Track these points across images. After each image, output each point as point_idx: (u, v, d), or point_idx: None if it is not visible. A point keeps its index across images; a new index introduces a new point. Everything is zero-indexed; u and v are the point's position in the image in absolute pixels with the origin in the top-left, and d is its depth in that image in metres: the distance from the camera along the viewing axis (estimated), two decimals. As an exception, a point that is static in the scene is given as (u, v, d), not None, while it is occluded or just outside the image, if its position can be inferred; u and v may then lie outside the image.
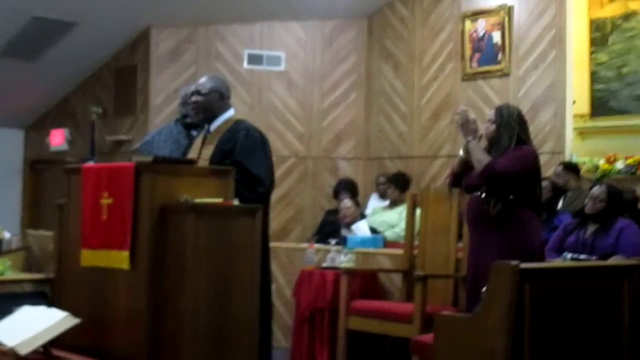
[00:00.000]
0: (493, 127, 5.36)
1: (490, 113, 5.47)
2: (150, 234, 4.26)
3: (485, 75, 8.58)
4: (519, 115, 5.42)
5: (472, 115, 5.52)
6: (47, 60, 9.51)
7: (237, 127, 5.20)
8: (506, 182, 5.21)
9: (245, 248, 4.41)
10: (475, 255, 5.36)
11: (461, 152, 5.52)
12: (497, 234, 5.21)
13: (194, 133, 5.71)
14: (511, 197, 5.23)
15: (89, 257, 4.53)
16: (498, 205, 5.21)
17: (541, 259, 5.31)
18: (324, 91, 9.46)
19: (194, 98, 5.28)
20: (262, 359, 4.85)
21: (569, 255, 5.83)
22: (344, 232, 7.61)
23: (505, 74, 8.41)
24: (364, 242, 7.13)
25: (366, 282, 6.73)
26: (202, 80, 5.34)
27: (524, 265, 4.12)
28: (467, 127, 5.42)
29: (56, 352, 4.22)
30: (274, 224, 7.59)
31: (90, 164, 4.94)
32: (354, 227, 7.54)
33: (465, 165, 5.46)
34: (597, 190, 6.03)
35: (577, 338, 4.23)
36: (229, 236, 4.35)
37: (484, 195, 5.29)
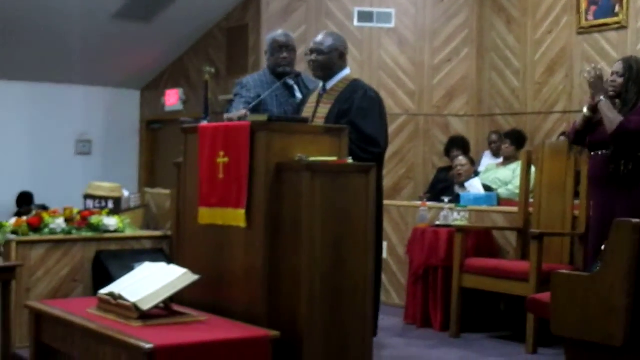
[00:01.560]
0: (620, 80, 5.20)
1: (616, 65, 5.30)
2: (265, 193, 4.30)
3: (601, 28, 8.34)
4: None
5: (603, 73, 5.36)
6: (161, 22, 9.68)
7: (354, 87, 5.21)
8: (637, 139, 5.06)
9: (359, 206, 4.41)
10: (600, 214, 5.25)
11: (585, 110, 5.38)
12: (624, 192, 5.08)
13: (290, 82, 5.65)
14: (637, 157, 5.08)
15: (207, 215, 4.61)
16: (629, 165, 5.07)
17: None
18: (434, 48, 9.36)
19: (313, 56, 5.28)
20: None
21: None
22: (457, 189, 7.55)
23: (622, 27, 8.15)
24: (477, 199, 7.06)
25: (480, 240, 6.67)
26: (320, 37, 5.32)
27: (645, 223, 4.03)
28: (599, 85, 5.26)
29: (176, 308, 4.32)
30: (386, 181, 7.58)
31: (206, 123, 5.00)
32: (467, 184, 7.47)
33: (589, 123, 5.32)
34: None
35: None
36: (343, 194, 4.36)
37: (609, 154, 5.16)
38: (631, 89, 5.16)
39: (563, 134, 7.80)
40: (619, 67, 5.25)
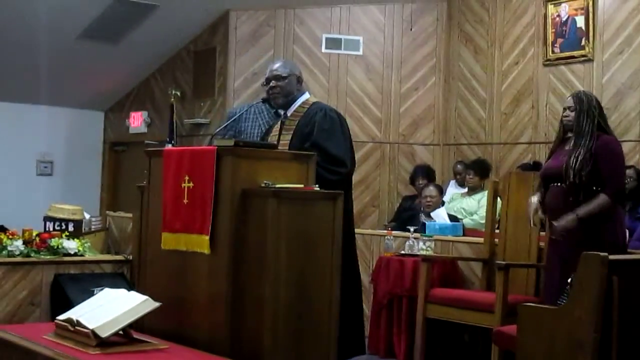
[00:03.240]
0: (573, 114, 5.23)
1: (567, 100, 5.35)
2: (231, 219, 4.24)
3: (568, 60, 8.39)
4: (597, 101, 5.30)
5: (532, 205, 5.41)
6: (127, 43, 9.61)
7: (314, 109, 5.17)
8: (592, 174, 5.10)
9: (325, 233, 4.36)
10: (556, 246, 5.25)
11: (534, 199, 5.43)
12: (581, 224, 5.09)
13: (281, 112, 5.63)
14: (596, 187, 5.10)
15: (170, 241, 4.53)
16: (587, 196, 5.08)
17: (624, 250, 5.18)
18: (402, 76, 9.37)
19: (273, 83, 5.24)
20: (357, 347, 4.88)
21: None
22: (422, 219, 7.52)
23: (588, 60, 8.21)
24: (443, 229, 7.03)
25: (445, 270, 6.64)
26: (277, 64, 5.30)
27: (613, 256, 4.01)
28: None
29: (136, 335, 4.22)
30: (351, 209, 7.53)
31: (171, 147, 4.94)
32: (434, 214, 7.44)
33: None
34: None
35: (668, 333, 4.11)
36: (309, 221, 4.30)
37: (565, 185, 5.17)
38: (584, 122, 5.20)
39: (521, 166, 7.84)
40: (570, 102, 5.31)
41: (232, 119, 6.14)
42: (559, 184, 5.25)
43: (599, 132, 5.21)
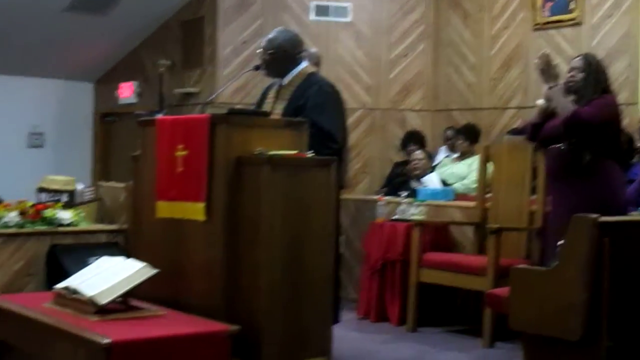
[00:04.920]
0: (581, 75, 5.19)
1: (575, 61, 5.28)
2: (225, 186, 4.28)
3: (557, 24, 8.39)
4: (603, 65, 5.29)
5: (554, 60, 5.36)
6: (115, 14, 9.57)
7: (310, 82, 5.17)
8: (590, 131, 5.06)
9: (319, 200, 4.40)
10: (556, 208, 5.28)
11: (539, 101, 5.39)
12: (580, 186, 5.10)
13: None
14: (595, 148, 5.09)
15: (165, 209, 4.57)
16: (587, 157, 5.07)
17: (624, 211, 5.19)
18: (391, 42, 9.36)
19: (260, 55, 5.26)
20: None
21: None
22: (413, 184, 7.57)
23: (577, 23, 8.22)
24: (434, 194, 7.08)
25: (437, 234, 6.70)
26: (270, 35, 5.30)
27: (603, 218, 4.06)
28: (548, 72, 5.25)
29: (134, 302, 4.27)
30: (343, 176, 7.56)
31: (161, 116, 4.96)
32: (424, 179, 7.48)
33: (546, 114, 5.32)
34: None
35: (658, 292, 4.17)
36: (303, 188, 4.35)
37: (564, 146, 5.17)
38: (590, 84, 5.17)
39: (511, 131, 7.85)
40: (578, 62, 5.25)
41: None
42: (557, 145, 5.26)
43: (602, 93, 5.20)
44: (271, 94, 5.31)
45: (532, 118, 5.49)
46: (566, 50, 8.13)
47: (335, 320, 5.17)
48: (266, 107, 5.21)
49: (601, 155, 5.09)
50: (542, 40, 8.45)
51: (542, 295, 4.17)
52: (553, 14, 8.42)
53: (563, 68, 5.80)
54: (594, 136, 5.07)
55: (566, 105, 5.12)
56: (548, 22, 8.44)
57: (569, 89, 5.24)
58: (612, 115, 5.19)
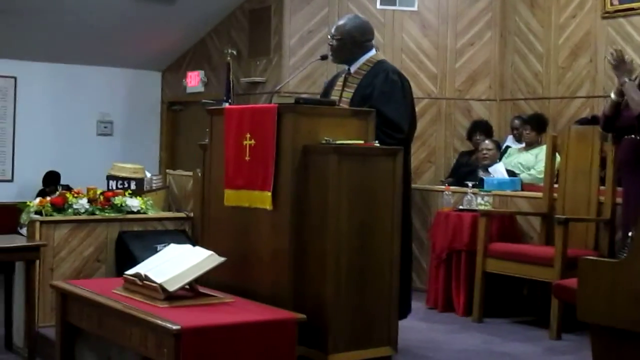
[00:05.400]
0: None
1: None
2: (292, 175, 4.31)
3: (627, 12, 8.25)
4: None
5: (627, 55, 5.31)
6: (183, 3, 9.65)
7: (377, 70, 5.12)
8: None
9: (386, 189, 4.42)
10: (628, 199, 5.22)
11: (613, 95, 5.34)
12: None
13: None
14: None
15: (233, 197, 4.61)
16: None
17: None
18: (457, 31, 9.29)
19: (329, 41, 5.25)
20: (403, 300, 4.88)
21: None
22: (480, 174, 7.52)
23: (648, 11, 8.08)
24: (501, 184, 7.03)
25: (504, 224, 6.65)
26: (339, 22, 5.27)
27: (675, 209, 4.00)
28: (622, 67, 5.22)
29: (202, 290, 4.32)
30: (408, 165, 7.55)
31: (228, 105, 4.99)
32: (491, 169, 7.43)
33: (617, 108, 5.27)
34: None
35: None
36: (370, 177, 4.36)
37: (639, 138, 5.11)
38: None
39: (579, 121, 7.74)
40: None
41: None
42: (632, 136, 5.20)
43: None
44: (339, 82, 5.29)
45: (605, 110, 5.43)
46: (635, 39, 8.00)
47: (408, 311, 5.16)
48: (334, 95, 5.19)
49: None
50: (611, 29, 8.31)
51: (611, 287, 4.11)
52: (623, 2, 8.27)
53: (632, 56, 5.72)
54: None
55: (639, 99, 5.06)
56: (617, 11, 8.30)
57: None
58: None
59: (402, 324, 4.83)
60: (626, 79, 5.18)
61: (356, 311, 4.34)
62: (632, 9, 8.17)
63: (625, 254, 4.16)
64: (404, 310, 5.07)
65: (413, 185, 7.58)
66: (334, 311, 4.24)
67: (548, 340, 5.82)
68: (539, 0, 9.00)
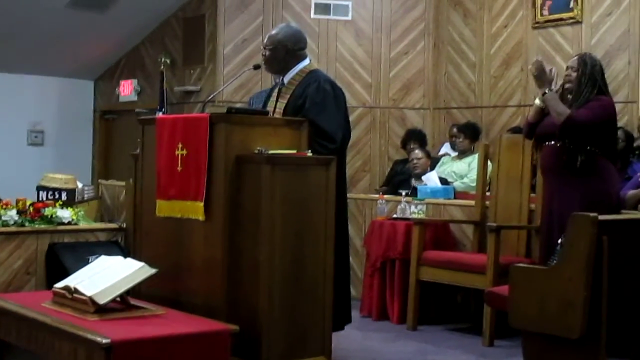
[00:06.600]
0: (574, 75, 5.27)
1: (572, 60, 5.38)
2: (225, 185, 4.29)
3: (556, 22, 8.38)
4: (600, 67, 5.33)
5: (547, 66, 5.43)
6: (116, 11, 9.55)
7: (309, 80, 5.04)
8: (585, 132, 5.14)
9: (319, 198, 4.42)
10: (551, 205, 5.31)
11: (537, 101, 5.44)
12: (575, 183, 5.16)
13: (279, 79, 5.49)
14: (590, 147, 5.16)
15: (165, 208, 4.58)
16: (582, 156, 5.14)
17: (618, 209, 5.24)
18: (391, 40, 9.36)
19: (262, 51, 5.22)
20: (342, 310, 4.89)
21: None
22: (414, 182, 7.57)
23: (577, 22, 8.20)
24: (434, 192, 7.08)
25: (437, 232, 6.70)
26: (272, 32, 5.22)
27: (602, 216, 4.07)
28: (543, 78, 5.33)
29: (134, 302, 4.27)
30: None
31: (162, 114, 4.95)
32: (425, 177, 7.49)
33: (541, 114, 5.39)
34: None
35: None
36: (303, 187, 4.36)
37: (560, 144, 5.23)
38: (585, 85, 5.25)
39: (511, 130, 7.86)
40: (574, 62, 5.35)
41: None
42: (552, 142, 5.31)
43: (597, 94, 5.26)
44: (274, 92, 5.25)
45: (529, 117, 5.55)
46: (565, 48, 8.13)
47: (347, 321, 5.14)
48: (269, 105, 5.15)
49: (596, 154, 5.16)
50: (542, 38, 8.45)
51: (542, 294, 4.18)
52: (553, 12, 8.41)
53: (563, 67, 5.82)
54: (589, 137, 5.14)
55: (561, 110, 5.19)
56: (548, 21, 8.43)
57: (565, 89, 5.33)
58: (607, 117, 5.26)
59: (337, 332, 4.83)
60: (546, 90, 5.31)
61: (290, 321, 4.32)
62: (562, 19, 8.31)
63: (555, 261, 4.23)
64: (344, 320, 5.06)
65: (348, 194, 7.63)
66: (268, 321, 4.22)
67: (481, 347, 5.87)
68: (472, 10, 9.11)
